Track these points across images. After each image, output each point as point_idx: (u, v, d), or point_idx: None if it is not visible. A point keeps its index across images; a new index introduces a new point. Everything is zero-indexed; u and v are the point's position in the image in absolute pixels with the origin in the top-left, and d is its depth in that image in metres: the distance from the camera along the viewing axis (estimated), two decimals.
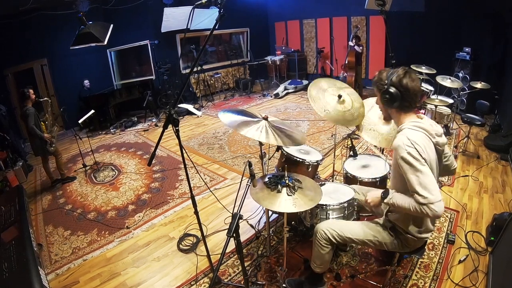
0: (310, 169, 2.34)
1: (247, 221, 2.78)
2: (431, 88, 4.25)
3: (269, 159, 2.86)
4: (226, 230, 1.41)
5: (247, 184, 1.57)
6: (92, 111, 4.53)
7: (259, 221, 2.78)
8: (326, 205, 1.91)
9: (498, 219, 2.30)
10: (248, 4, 8.44)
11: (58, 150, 4.03)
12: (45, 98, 4.01)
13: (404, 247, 1.62)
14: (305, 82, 8.15)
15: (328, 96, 2.25)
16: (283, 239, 1.93)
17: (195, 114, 6.75)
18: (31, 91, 3.68)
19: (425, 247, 2.24)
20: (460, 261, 2.19)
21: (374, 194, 1.63)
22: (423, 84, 4.17)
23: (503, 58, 4.75)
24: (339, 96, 2.22)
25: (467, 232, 2.47)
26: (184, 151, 1.88)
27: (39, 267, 1.72)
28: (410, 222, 1.54)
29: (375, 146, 4.26)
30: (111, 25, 4.19)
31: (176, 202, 3.37)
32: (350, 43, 6.39)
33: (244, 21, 8.53)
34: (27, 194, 3.35)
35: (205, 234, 2.39)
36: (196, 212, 2.06)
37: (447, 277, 2.06)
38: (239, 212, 1.35)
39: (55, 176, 4.11)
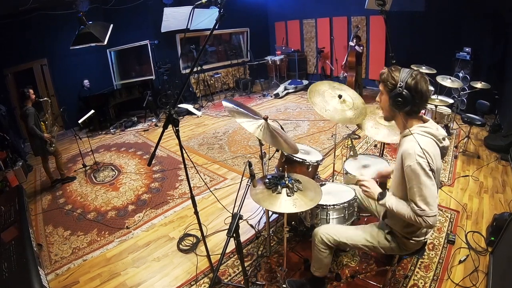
0: (310, 169, 2.33)
1: (247, 221, 2.78)
2: (432, 88, 4.23)
3: (269, 159, 2.86)
4: (226, 230, 1.40)
5: (247, 184, 1.56)
6: (92, 111, 4.53)
7: (259, 221, 2.78)
8: (326, 205, 1.91)
9: (498, 219, 2.30)
10: (248, 4, 8.43)
11: (58, 150, 4.03)
12: (45, 98, 4.02)
13: (403, 250, 1.61)
14: (305, 82, 8.15)
15: (328, 96, 2.25)
16: (283, 239, 1.93)
17: (195, 114, 6.75)
18: (31, 91, 3.68)
19: (425, 248, 2.26)
20: (460, 261, 2.19)
21: (373, 186, 1.57)
22: None
23: (503, 58, 4.75)
24: (339, 96, 2.22)
25: (467, 232, 2.47)
26: (184, 151, 1.88)
27: (39, 267, 1.72)
28: (407, 227, 1.53)
29: (375, 146, 4.27)
30: (111, 25, 4.19)
31: (176, 202, 3.37)
32: (351, 43, 6.38)
33: (244, 21, 8.52)
34: (27, 194, 3.35)
35: (205, 234, 2.39)
36: (196, 212, 2.06)
37: (447, 277, 2.06)
38: (239, 212, 1.35)
39: (55, 176, 4.11)
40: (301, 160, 2.29)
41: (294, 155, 2.32)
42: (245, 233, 2.68)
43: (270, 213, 2.49)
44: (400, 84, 1.37)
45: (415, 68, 1.44)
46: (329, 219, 1.94)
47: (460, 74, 5.05)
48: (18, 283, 1.60)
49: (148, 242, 2.76)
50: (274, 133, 1.96)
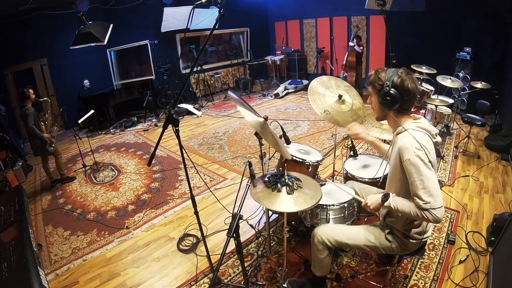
0: (310, 169, 2.33)
1: (247, 221, 2.77)
2: (432, 88, 4.24)
3: (269, 159, 2.85)
4: (226, 230, 1.40)
5: (247, 184, 1.56)
6: (92, 111, 4.53)
7: (259, 221, 2.78)
8: (326, 205, 1.90)
9: (498, 219, 2.30)
10: (248, 4, 8.43)
11: (58, 150, 4.03)
12: (45, 98, 4.01)
13: (403, 250, 1.60)
14: (305, 82, 8.15)
15: (328, 96, 2.25)
16: (283, 239, 1.93)
17: (195, 114, 6.75)
18: (31, 91, 3.67)
19: (425, 248, 2.26)
20: (460, 262, 2.19)
21: (374, 198, 1.58)
22: (423, 84, 4.16)
23: (504, 58, 4.75)
24: (340, 96, 2.22)
25: (468, 232, 2.47)
26: (184, 151, 1.87)
27: (38, 267, 1.71)
28: (407, 225, 1.53)
29: None
30: (111, 25, 4.19)
31: (176, 202, 3.37)
32: (351, 44, 6.38)
33: (244, 21, 8.52)
34: (27, 194, 3.35)
35: (205, 234, 2.39)
36: (196, 212, 2.06)
37: (448, 278, 2.05)
38: (239, 212, 1.35)
39: (55, 176, 4.10)
40: (301, 160, 2.29)
41: (294, 154, 2.32)
42: (245, 233, 2.67)
43: (270, 213, 2.49)
44: (387, 83, 1.41)
45: (403, 68, 1.45)
46: (329, 219, 1.94)
47: (460, 74, 5.05)
48: (18, 283, 1.59)
49: (148, 242, 2.76)
50: (271, 135, 1.96)
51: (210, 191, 3.30)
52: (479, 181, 3.25)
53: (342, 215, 1.92)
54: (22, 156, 4.98)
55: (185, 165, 1.96)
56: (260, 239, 2.58)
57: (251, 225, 2.72)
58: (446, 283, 2.02)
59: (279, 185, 1.70)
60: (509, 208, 2.73)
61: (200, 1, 1.73)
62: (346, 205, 1.91)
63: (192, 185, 2.58)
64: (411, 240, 1.55)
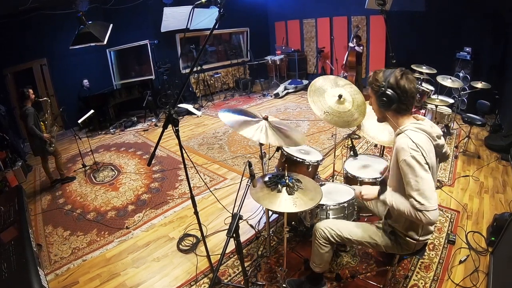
0: (310, 169, 2.33)
1: (247, 222, 2.77)
2: (432, 88, 4.24)
3: (269, 159, 2.85)
4: (226, 231, 1.40)
5: (247, 184, 1.56)
6: (92, 111, 4.52)
7: (259, 221, 2.77)
8: (326, 205, 1.90)
9: (498, 219, 2.30)
10: (248, 3, 8.43)
11: (58, 150, 4.02)
12: (45, 98, 4.01)
13: (404, 249, 1.60)
14: (305, 82, 8.15)
15: (328, 96, 2.24)
16: (283, 239, 1.92)
17: (195, 114, 6.74)
18: (31, 91, 3.67)
19: (426, 248, 2.25)
20: (460, 262, 2.19)
21: (370, 188, 1.60)
22: (423, 84, 4.16)
23: (504, 58, 4.75)
24: (340, 96, 2.21)
25: (468, 232, 2.47)
26: (184, 151, 1.87)
27: (38, 268, 1.71)
28: (409, 226, 1.52)
29: (375, 146, 4.26)
30: (111, 25, 4.17)
31: (176, 202, 3.36)
32: (350, 44, 6.38)
33: (244, 20, 8.52)
34: (27, 194, 3.35)
35: (205, 235, 2.39)
36: (196, 212, 2.06)
37: (448, 278, 2.05)
38: (239, 212, 1.35)
39: (55, 176, 4.10)
40: (301, 160, 2.29)
41: (294, 154, 2.32)
42: (245, 233, 2.67)
43: (270, 213, 2.48)
44: (383, 84, 1.42)
45: (402, 68, 1.45)
46: (329, 218, 1.94)
47: (461, 74, 5.04)
48: (18, 283, 1.59)
49: (147, 242, 2.76)
50: (279, 130, 1.95)
51: (210, 191, 3.29)
52: (479, 181, 3.25)
53: (342, 215, 1.91)
54: (21, 156, 4.98)
55: (185, 165, 1.96)
56: (260, 239, 2.58)
57: (251, 225, 2.72)
58: (446, 283, 2.02)
59: (279, 185, 1.70)
60: (509, 208, 2.73)
61: (200, 1, 1.72)
62: (346, 205, 1.90)
63: (192, 185, 2.58)
64: (412, 240, 1.54)
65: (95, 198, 3.63)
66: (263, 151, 2.29)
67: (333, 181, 2.97)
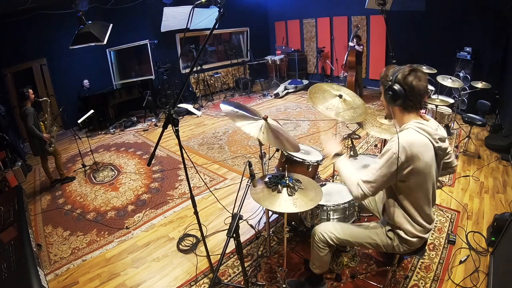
0: (310, 169, 2.33)
1: (247, 222, 2.77)
2: (432, 88, 4.23)
3: (269, 159, 2.85)
4: (226, 231, 1.40)
5: (247, 184, 1.56)
6: (92, 111, 4.52)
7: (259, 221, 2.77)
8: (326, 205, 1.90)
9: (499, 220, 2.29)
10: (248, 3, 8.41)
11: (57, 150, 4.02)
12: (44, 98, 4.00)
13: (404, 248, 1.59)
14: (305, 82, 8.14)
15: (329, 97, 2.24)
16: (283, 239, 1.92)
17: (195, 114, 6.74)
18: (30, 91, 3.67)
19: (426, 248, 2.25)
20: (461, 262, 2.19)
21: (332, 147, 1.71)
22: None
23: (504, 58, 4.74)
24: (340, 96, 2.22)
25: (468, 233, 2.47)
26: (183, 151, 1.87)
27: (38, 268, 1.71)
28: (407, 221, 1.51)
29: (375, 146, 4.26)
30: (111, 25, 4.17)
31: (175, 203, 3.36)
32: (350, 44, 6.38)
33: (244, 20, 8.51)
34: (26, 194, 3.35)
35: (205, 235, 2.39)
36: (196, 213, 2.05)
37: (448, 278, 2.05)
38: (239, 212, 1.34)
39: (54, 176, 4.10)
40: (301, 160, 2.28)
41: (294, 155, 2.32)
42: (245, 233, 2.67)
43: (270, 213, 2.48)
44: (390, 78, 1.44)
45: (413, 65, 1.45)
46: (330, 219, 1.94)
47: (461, 74, 5.04)
48: (18, 284, 1.59)
49: (147, 242, 2.76)
50: (276, 133, 1.95)
51: (210, 191, 3.29)
52: (479, 181, 3.25)
53: (343, 215, 1.91)
54: (21, 156, 4.97)
55: (184, 165, 1.95)
56: (260, 239, 2.57)
57: (251, 225, 2.72)
58: (447, 284, 2.02)
59: (279, 186, 1.70)
60: (510, 208, 2.73)
61: (200, 1, 1.72)
62: (347, 205, 1.90)
63: (192, 185, 2.58)
64: (411, 237, 1.53)
65: (95, 198, 3.63)
66: (263, 151, 2.29)
67: (333, 181, 2.97)
